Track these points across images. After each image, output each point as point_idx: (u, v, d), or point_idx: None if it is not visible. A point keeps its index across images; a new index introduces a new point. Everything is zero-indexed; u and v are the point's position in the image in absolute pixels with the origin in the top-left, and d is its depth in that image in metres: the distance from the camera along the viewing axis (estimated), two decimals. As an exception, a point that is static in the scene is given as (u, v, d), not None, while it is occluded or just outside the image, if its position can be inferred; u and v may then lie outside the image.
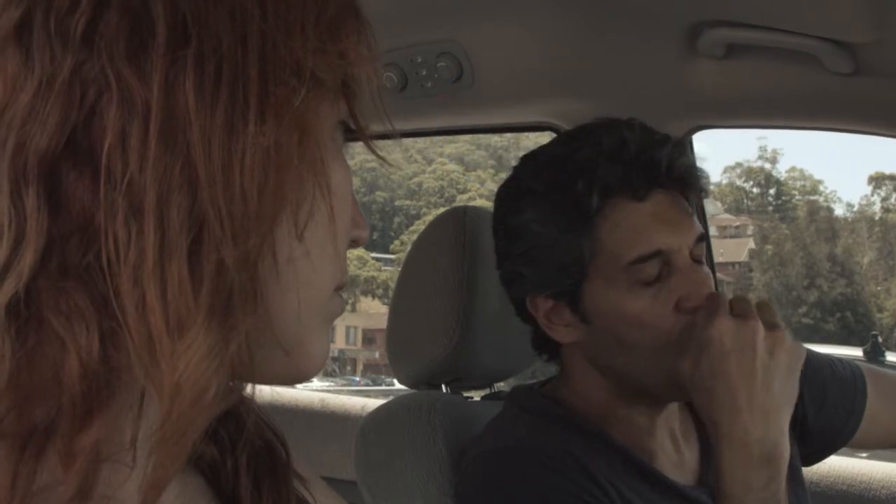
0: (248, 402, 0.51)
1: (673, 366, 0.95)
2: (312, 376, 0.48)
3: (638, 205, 0.99)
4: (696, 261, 1.00)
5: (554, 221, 1.00)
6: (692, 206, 1.04)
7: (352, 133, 0.49)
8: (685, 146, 1.05)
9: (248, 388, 0.52)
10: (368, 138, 0.49)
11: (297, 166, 0.42)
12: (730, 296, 0.97)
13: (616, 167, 0.98)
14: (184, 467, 0.49)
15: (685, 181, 1.02)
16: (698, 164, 1.06)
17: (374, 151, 0.50)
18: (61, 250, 0.39)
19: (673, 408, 1.06)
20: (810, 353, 1.19)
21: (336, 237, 0.46)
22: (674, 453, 1.04)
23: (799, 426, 1.13)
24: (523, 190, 1.04)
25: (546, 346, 1.09)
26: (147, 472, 0.39)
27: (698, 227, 1.02)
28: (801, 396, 1.12)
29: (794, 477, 1.09)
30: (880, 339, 7.47)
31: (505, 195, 1.08)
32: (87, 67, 0.39)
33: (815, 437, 1.15)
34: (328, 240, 0.45)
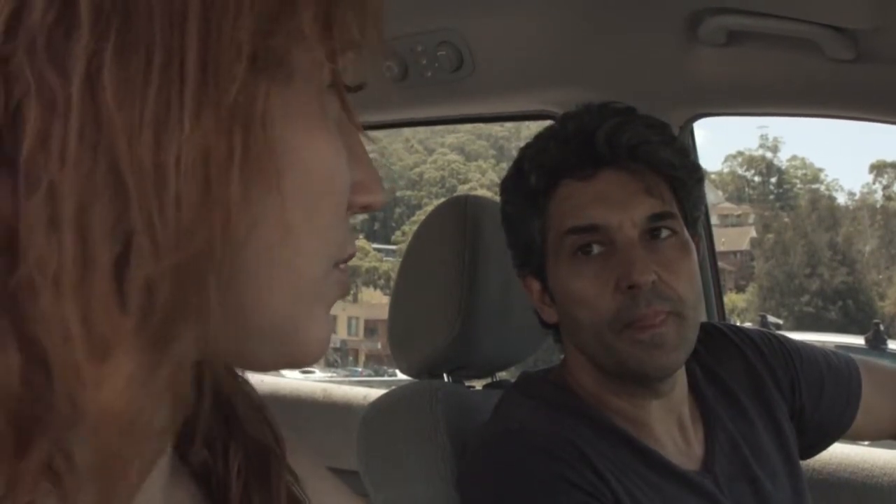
0: (246, 401, 0.50)
1: (615, 349, 0.98)
2: (311, 362, 0.45)
3: (582, 184, 1.01)
4: (655, 237, 1.00)
5: (516, 204, 1.08)
6: (666, 180, 1.02)
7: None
8: (630, 121, 1.02)
9: (249, 381, 0.50)
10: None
11: (243, 160, 0.37)
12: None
13: (555, 150, 1.03)
14: (175, 473, 0.47)
15: (636, 156, 1.01)
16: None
17: (349, 112, 0.44)
18: None
19: (682, 395, 1.06)
20: (806, 346, 1.20)
21: (310, 217, 0.41)
22: (681, 440, 1.05)
23: (797, 418, 1.14)
24: (506, 176, 1.11)
25: (549, 326, 1.12)
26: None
27: (655, 204, 1.00)
28: (799, 389, 1.14)
29: (793, 469, 1.10)
30: (882, 328, 7.48)
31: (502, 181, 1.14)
32: (11, 65, 0.35)
33: (813, 429, 1.15)
34: (303, 220, 0.40)
